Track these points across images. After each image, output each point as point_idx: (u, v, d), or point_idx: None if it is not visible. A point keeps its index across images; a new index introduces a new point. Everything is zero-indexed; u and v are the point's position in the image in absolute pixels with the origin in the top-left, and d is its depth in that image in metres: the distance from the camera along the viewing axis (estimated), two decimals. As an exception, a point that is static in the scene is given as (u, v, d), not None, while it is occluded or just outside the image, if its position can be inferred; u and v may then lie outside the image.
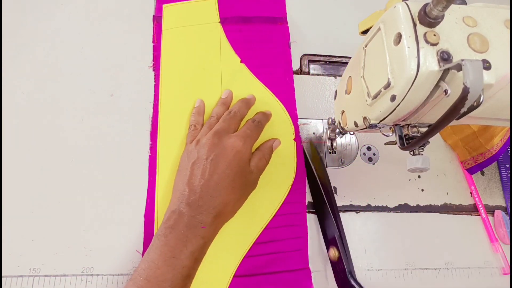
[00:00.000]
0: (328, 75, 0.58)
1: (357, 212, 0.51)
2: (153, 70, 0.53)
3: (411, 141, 0.33)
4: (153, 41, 0.54)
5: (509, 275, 0.49)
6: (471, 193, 0.53)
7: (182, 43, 0.54)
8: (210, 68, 0.53)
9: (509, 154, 0.56)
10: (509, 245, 0.50)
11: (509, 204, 0.53)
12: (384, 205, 0.51)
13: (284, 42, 0.56)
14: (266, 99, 0.52)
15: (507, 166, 0.55)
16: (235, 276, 0.44)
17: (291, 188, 0.48)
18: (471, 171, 0.54)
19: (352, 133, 0.53)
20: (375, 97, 0.31)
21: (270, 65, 0.54)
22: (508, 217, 0.52)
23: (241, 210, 0.45)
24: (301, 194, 0.49)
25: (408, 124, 0.34)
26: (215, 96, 0.51)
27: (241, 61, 0.54)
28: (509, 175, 0.55)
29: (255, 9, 0.57)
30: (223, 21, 0.55)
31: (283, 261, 0.45)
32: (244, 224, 0.46)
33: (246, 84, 0.52)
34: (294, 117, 0.52)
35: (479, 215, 0.52)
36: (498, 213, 0.52)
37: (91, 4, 0.56)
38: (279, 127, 0.51)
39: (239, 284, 0.43)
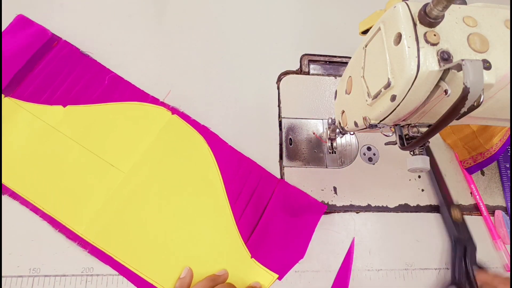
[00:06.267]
0: (328, 75, 0.58)
1: (357, 212, 0.51)
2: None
3: (411, 141, 0.33)
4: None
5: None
6: (471, 192, 0.53)
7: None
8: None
9: (509, 154, 0.56)
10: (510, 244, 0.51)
11: (509, 204, 0.53)
12: (384, 205, 0.51)
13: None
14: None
15: (507, 166, 0.55)
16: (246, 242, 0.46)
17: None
18: (470, 170, 0.54)
19: (352, 133, 0.53)
20: (375, 97, 0.31)
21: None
22: (508, 217, 0.52)
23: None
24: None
25: (408, 124, 0.34)
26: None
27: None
28: (509, 175, 0.55)
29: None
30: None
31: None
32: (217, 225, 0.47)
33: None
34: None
35: (480, 215, 0.52)
36: (499, 213, 0.52)
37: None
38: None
39: (254, 242, 0.46)
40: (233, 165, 0.50)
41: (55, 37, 0.52)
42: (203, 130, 0.51)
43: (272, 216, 0.48)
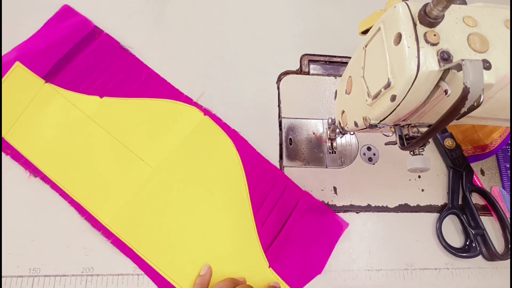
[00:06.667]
0: (328, 75, 0.58)
1: (357, 212, 0.51)
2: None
3: (411, 141, 0.33)
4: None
5: None
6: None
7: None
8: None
9: (509, 154, 0.56)
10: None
11: (509, 204, 0.53)
12: (384, 205, 0.51)
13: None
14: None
15: (507, 166, 0.55)
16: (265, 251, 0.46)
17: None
18: (468, 160, 0.54)
19: (352, 133, 0.53)
20: (375, 97, 0.31)
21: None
22: (505, 191, 0.53)
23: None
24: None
25: (408, 124, 0.34)
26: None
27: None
28: (509, 175, 0.55)
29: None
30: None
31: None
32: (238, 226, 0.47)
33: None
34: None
35: (479, 215, 0.52)
36: (495, 188, 0.53)
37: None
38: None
39: (273, 251, 0.46)
40: (259, 172, 0.50)
41: (98, 29, 0.53)
42: (233, 134, 0.51)
43: (294, 228, 0.48)
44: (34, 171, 0.46)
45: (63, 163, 0.47)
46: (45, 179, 0.46)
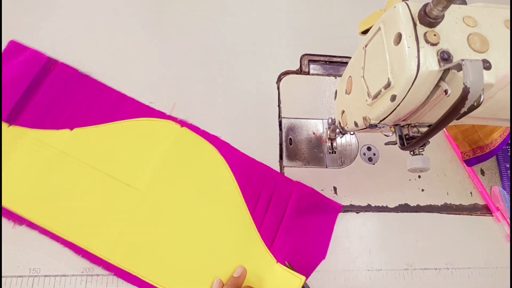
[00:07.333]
0: (328, 75, 0.58)
1: (357, 212, 0.51)
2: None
3: (411, 141, 0.33)
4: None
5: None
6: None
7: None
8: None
9: (509, 154, 0.56)
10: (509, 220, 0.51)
11: (509, 204, 0.53)
12: (384, 205, 0.51)
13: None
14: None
15: (507, 166, 0.55)
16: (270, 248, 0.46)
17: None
18: (468, 163, 0.54)
19: (352, 133, 0.53)
20: (375, 97, 0.31)
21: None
22: (505, 191, 0.53)
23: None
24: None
25: (408, 124, 0.34)
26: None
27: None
28: (509, 175, 0.55)
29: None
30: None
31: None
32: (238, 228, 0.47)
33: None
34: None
35: (480, 215, 0.52)
36: (495, 188, 0.53)
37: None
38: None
39: (277, 246, 0.46)
40: (248, 172, 0.49)
41: (52, 60, 0.51)
42: (213, 140, 0.51)
43: (292, 219, 0.48)
44: (18, 219, 0.43)
45: (46, 205, 0.44)
46: (31, 225, 0.43)
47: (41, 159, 0.46)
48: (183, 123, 0.51)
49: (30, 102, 0.48)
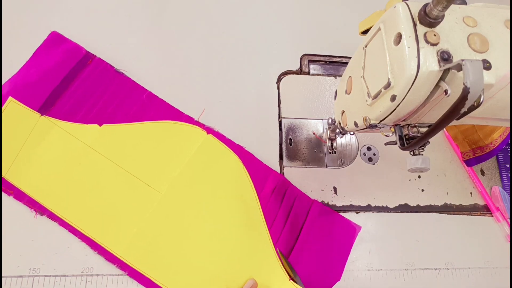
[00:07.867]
0: (328, 75, 0.58)
1: (357, 212, 0.51)
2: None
3: (411, 141, 0.33)
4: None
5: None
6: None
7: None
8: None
9: (509, 154, 0.56)
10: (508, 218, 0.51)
11: (509, 204, 0.53)
12: (384, 205, 0.51)
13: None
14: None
15: (507, 166, 0.55)
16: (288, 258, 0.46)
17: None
18: (468, 163, 0.54)
19: (352, 133, 0.53)
20: (375, 97, 0.31)
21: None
22: (505, 191, 0.53)
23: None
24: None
25: (408, 124, 0.34)
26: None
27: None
28: (509, 175, 0.55)
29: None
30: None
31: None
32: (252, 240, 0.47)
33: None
34: None
35: (480, 215, 0.52)
36: (495, 188, 0.53)
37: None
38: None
39: (292, 263, 0.46)
40: (269, 185, 0.49)
41: (90, 54, 0.51)
42: (238, 150, 0.50)
43: (309, 237, 0.48)
44: (40, 209, 0.44)
45: (68, 197, 0.45)
46: (52, 216, 0.44)
47: (68, 152, 0.47)
48: (209, 130, 0.51)
49: (64, 94, 0.49)
